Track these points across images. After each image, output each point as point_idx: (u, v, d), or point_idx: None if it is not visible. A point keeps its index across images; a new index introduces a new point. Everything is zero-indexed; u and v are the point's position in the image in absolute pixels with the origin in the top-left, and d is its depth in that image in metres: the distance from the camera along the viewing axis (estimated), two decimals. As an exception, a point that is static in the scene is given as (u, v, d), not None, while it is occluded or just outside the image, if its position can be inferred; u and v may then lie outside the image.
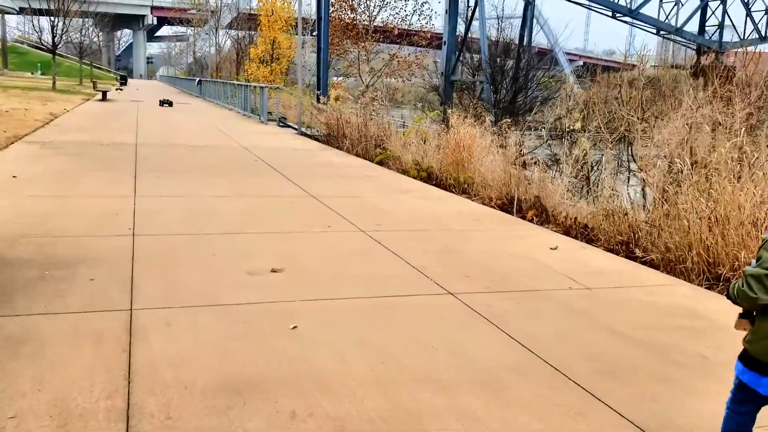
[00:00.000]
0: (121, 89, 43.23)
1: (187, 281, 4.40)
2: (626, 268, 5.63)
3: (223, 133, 16.26)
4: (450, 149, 11.83)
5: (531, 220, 8.52)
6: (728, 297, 2.34)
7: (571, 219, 8.35)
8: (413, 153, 12.89)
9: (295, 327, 3.68)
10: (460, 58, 22.00)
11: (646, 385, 3.19)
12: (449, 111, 13.46)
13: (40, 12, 38.63)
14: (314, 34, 38.04)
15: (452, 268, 5.05)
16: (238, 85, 27.01)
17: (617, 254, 6.59)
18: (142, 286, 4.25)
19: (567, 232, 7.98)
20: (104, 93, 29.72)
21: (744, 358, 2.35)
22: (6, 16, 72.72)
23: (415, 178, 11.77)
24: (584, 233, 7.83)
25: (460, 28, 22.48)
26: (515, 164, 10.56)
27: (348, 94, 18.61)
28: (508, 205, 9.49)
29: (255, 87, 23.29)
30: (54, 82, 34.89)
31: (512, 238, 6.37)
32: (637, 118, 15.45)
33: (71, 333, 3.45)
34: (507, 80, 19.92)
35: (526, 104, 20.31)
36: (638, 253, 6.72)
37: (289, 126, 21.82)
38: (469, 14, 22.14)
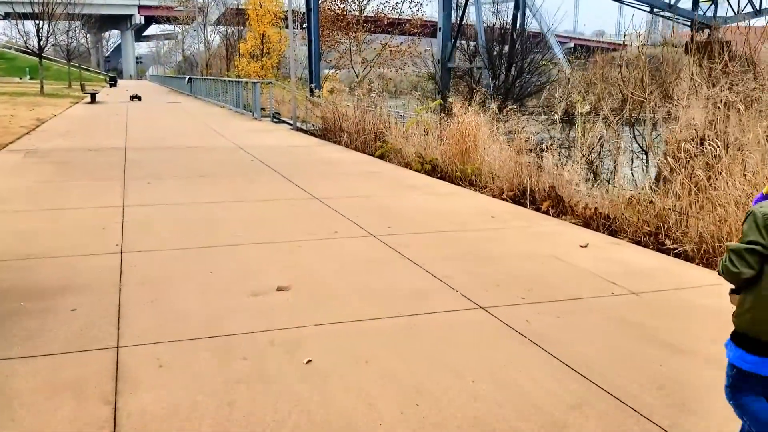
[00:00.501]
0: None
1: (181, 307, 3.87)
2: (665, 265, 5.10)
3: (216, 133, 15.68)
4: (454, 139, 11.29)
5: (546, 212, 8.01)
6: (719, 274, 2.26)
7: (590, 209, 7.83)
8: (415, 145, 12.35)
9: (309, 361, 3.15)
10: (456, 45, 21.38)
11: (732, 417, 2.67)
12: (451, 99, 12.89)
13: (26, 16, 37.82)
14: (304, 26, 37.34)
15: (478, 275, 4.52)
16: (229, 81, 26.39)
17: (646, 246, 6.08)
18: (131, 316, 3.71)
19: (587, 224, 7.47)
20: (93, 95, 29.07)
21: (733, 336, 2.27)
22: (-9, 21, 71.65)
23: (419, 171, 11.25)
24: (606, 224, 7.31)
25: (454, 14, 21.84)
26: (524, 152, 10.04)
27: (343, 86, 18.02)
28: (520, 197, 8.97)
29: (247, 83, 22.68)
30: (42, 87, 34.19)
31: (535, 235, 5.84)
32: (644, 99, 14.89)
33: (48, 382, 2.92)
34: (505, 65, 19.31)
35: (526, 89, 19.74)
36: (669, 244, 6.20)
37: (283, 121, 21.24)
38: (464, -1, 21.53)
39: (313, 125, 19.21)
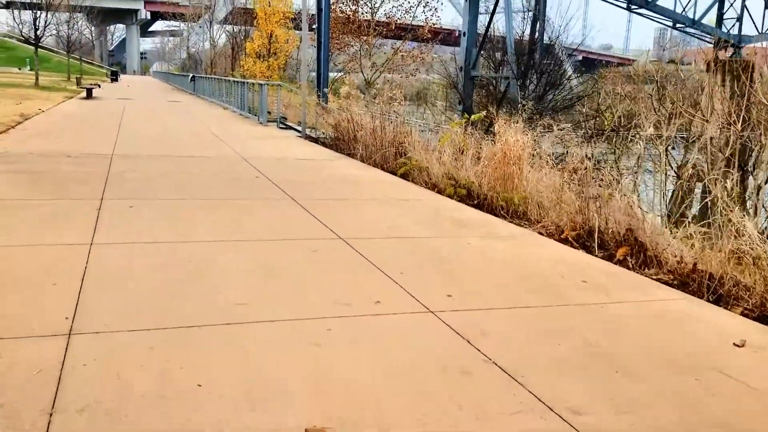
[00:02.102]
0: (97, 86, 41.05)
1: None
2: None
3: (218, 139, 14.03)
4: (496, 161, 9.65)
5: (621, 262, 6.40)
6: None
7: (686, 264, 6.20)
8: (445, 164, 10.73)
9: None
10: (482, 52, 19.81)
11: None
12: (491, 112, 11.29)
13: (29, 6, 36.02)
14: (314, 27, 35.74)
15: (630, 409, 2.86)
16: (234, 81, 24.77)
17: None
18: None
19: (684, 284, 5.85)
20: (89, 90, 27.42)
21: None
22: (-8, 10, 70.07)
23: (450, 196, 9.66)
24: (709, 286, 5.68)
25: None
26: (585, 180, 8.44)
27: (358, 92, 16.39)
28: (585, 238, 7.36)
29: (253, 84, 21.05)
30: (37, 78, 32.54)
31: (659, 318, 4.18)
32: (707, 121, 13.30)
33: None
34: (536, 76, 17.74)
35: (557, 102, 18.15)
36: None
37: (290, 127, 19.61)
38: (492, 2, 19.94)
39: (323, 133, 17.59)
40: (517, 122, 10.30)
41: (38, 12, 32.76)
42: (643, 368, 3.30)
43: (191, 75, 43.10)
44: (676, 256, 6.31)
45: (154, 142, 12.48)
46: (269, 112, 20.26)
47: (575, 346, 3.52)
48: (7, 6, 46.05)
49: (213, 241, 5.51)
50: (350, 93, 15.55)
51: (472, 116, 10.47)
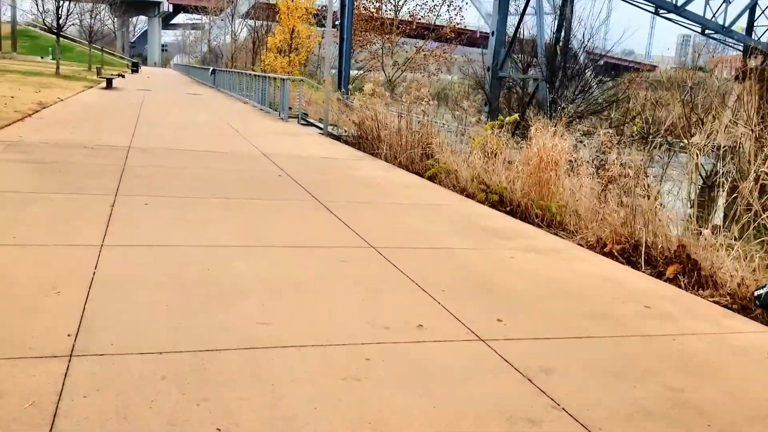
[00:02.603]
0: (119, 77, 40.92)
1: None
2: None
3: (237, 133, 13.61)
4: (531, 166, 9.13)
5: (671, 280, 5.88)
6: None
7: (748, 288, 5.67)
8: (476, 167, 10.22)
9: None
10: (511, 53, 19.21)
11: None
12: (528, 114, 10.76)
13: None
14: (336, 23, 35.27)
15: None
16: (255, 76, 24.38)
17: None
18: None
19: (745, 309, 5.34)
20: (109, 80, 27.18)
21: None
22: (17, -2, 70.41)
23: (481, 202, 9.16)
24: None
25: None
26: (630, 189, 7.92)
27: (383, 90, 15.88)
28: (630, 252, 6.84)
29: (275, 79, 20.62)
30: (57, 67, 32.39)
31: (744, 357, 3.65)
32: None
33: None
34: (567, 78, 17.12)
35: (589, 106, 17.53)
36: None
37: (311, 124, 19.17)
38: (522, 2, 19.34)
39: (346, 131, 17.13)
40: (555, 126, 9.78)
41: (61, 1, 32.60)
42: (743, 426, 2.78)
43: (212, 68, 42.87)
44: (734, 277, 5.77)
45: (172, 135, 12.08)
46: (290, 108, 19.83)
47: (656, 392, 3.01)
48: (31, -6, 46.02)
49: (233, 246, 5.05)
50: (375, 90, 15.06)
51: (507, 118, 9.93)
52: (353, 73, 36.97)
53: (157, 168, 8.36)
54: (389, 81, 40.43)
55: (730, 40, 43.25)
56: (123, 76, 31.19)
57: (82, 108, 16.62)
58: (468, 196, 10.00)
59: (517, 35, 19.43)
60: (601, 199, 8.91)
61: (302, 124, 18.74)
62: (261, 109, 21.81)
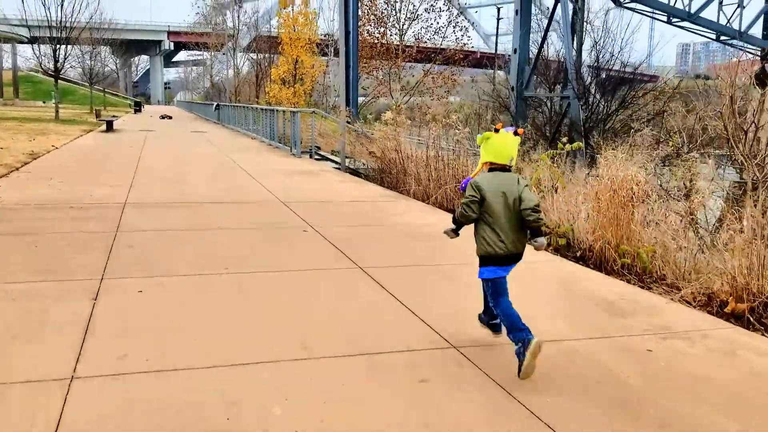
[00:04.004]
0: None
1: None
2: None
3: (249, 176, 12.16)
4: (604, 202, 7.59)
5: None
6: (455, 219, 3.61)
7: None
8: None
9: None
10: (535, 71, 17.76)
11: None
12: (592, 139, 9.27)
13: (57, 40, 34.56)
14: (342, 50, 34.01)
15: None
16: (262, 109, 23.06)
17: None
18: None
19: None
20: (109, 123, 25.95)
21: (481, 262, 3.55)
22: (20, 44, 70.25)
23: (545, 249, 7.61)
24: None
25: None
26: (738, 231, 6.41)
27: (405, 117, 14.42)
28: (762, 313, 5.34)
29: (285, 112, 19.27)
30: (57, 112, 31.26)
31: None
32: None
33: None
34: (599, 94, 15.64)
35: (625, 123, 16.01)
36: None
37: (325, 158, 17.78)
38: (546, 17, 17.95)
39: (364, 164, 15.70)
40: (631, 151, 8.27)
41: (57, 44, 31.53)
42: None
43: (215, 103, 41.80)
44: None
45: (174, 185, 10.61)
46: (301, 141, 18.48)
47: None
48: (32, 41, 45.36)
49: (259, 363, 3.50)
50: (396, 119, 13.60)
51: (571, 145, 8.41)
52: (360, 100, 35.73)
53: (156, 233, 6.85)
54: (397, 106, 39.16)
55: (749, 46, 41.87)
56: (116, 119, 30.01)
57: (76, 156, 15.24)
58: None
59: (541, 52, 18.04)
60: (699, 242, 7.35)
61: (316, 158, 17.34)
62: (270, 145, 20.44)
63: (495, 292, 3.53)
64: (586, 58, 17.32)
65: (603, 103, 15.58)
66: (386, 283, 5.11)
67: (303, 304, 4.57)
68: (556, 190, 8.27)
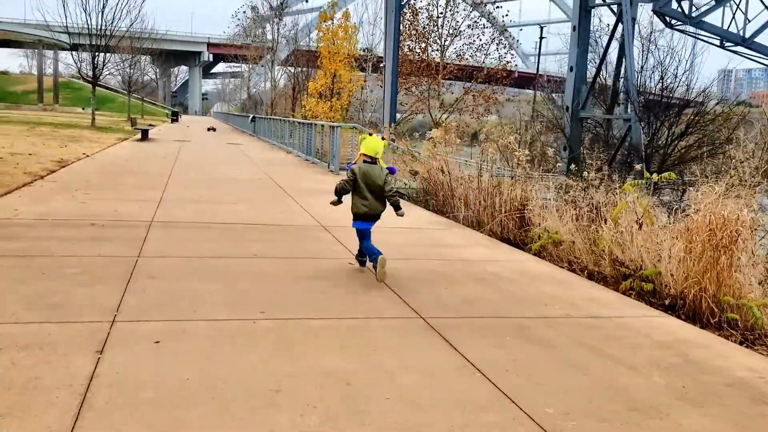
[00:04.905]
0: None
1: None
2: None
3: (286, 194, 11.29)
4: (699, 243, 6.50)
5: None
6: (338, 191, 5.71)
7: None
8: (606, 240, 7.67)
9: None
10: (593, 91, 16.64)
11: None
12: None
13: (96, 47, 34.54)
14: (382, 65, 33.35)
15: None
16: (299, 123, 22.33)
17: None
18: None
19: None
20: (144, 132, 25.52)
21: (354, 218, 5.66)
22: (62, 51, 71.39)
23: (625, 293, 6.61)
24: None
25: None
26: None
27: (454, 136, 13.46)
28: None
29: (324, 126, 18.46)
30: (93, 119, 31.07)
31: None
32: None
33: None
34: (663, 117, 14.47)
35: (691, 150, 14.78)
36: None
37: (366, 176, 16.85)
38: (607, 33, 16.88)
39: (405, 183, 14.76)
40: (731, 183, 7.18)
41: (96, 51, 31.43)
42: None
43: (251, 116, 41.45)
44: None
45: (207, 202, 9.78)
46: (334, 157, 17.61)
47: None
48: (74, 48, 45.74)
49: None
50: (446, 138, 12.64)
51: (659, 175, 7.32)
52: (397, 116, 34.91)
53: (182, 260, 5.96)
54: (436, 123, 38.19)
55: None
56: (152, 128, 29.65)
57: (106, 165, 14.59)
58: (590, 275, 7.46)
59: (600, 70, 16.93)
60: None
61: (355, 176, 16.45)
62: (306, 160, 19.65)
63: (361, 237, 5.69)
64: (647, 79, 16.21)
65: (666, 128, 14.43)
66: (457, 342, 4.12)
67: (357, 372, 3.58)
68: (640, 226, 7.18)
